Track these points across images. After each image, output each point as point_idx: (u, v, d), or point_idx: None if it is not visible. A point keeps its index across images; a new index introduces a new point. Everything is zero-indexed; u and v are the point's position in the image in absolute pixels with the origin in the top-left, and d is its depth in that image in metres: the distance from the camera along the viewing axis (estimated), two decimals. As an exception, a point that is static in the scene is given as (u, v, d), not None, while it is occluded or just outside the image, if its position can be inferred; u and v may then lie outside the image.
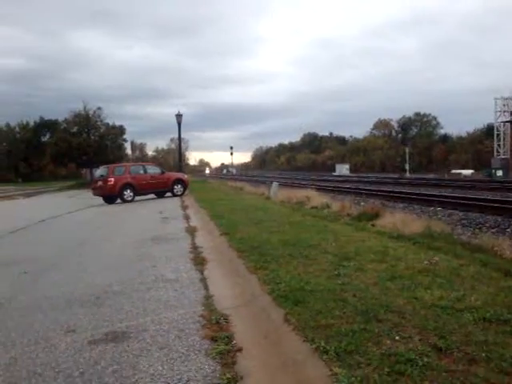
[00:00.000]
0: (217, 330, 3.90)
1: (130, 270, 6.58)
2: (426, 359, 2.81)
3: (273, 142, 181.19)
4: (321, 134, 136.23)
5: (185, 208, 16.81)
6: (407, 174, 55.31)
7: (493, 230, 8.88)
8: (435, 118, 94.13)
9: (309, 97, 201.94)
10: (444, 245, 6.79)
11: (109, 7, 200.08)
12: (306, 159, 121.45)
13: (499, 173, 43.92)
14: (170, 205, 18.98)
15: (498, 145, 52.25)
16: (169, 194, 24.35)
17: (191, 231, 10.22)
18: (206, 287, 5.41)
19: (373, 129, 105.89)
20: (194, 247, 8.15)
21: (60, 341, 3.90)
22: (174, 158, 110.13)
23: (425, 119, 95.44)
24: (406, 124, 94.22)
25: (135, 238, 9.85)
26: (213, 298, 4.89)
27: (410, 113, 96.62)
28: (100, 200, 23.22)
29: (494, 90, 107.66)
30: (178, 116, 30.09)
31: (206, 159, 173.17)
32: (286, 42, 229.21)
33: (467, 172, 53.42)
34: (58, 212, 18.09)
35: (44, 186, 54.36)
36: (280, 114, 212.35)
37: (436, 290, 4.35)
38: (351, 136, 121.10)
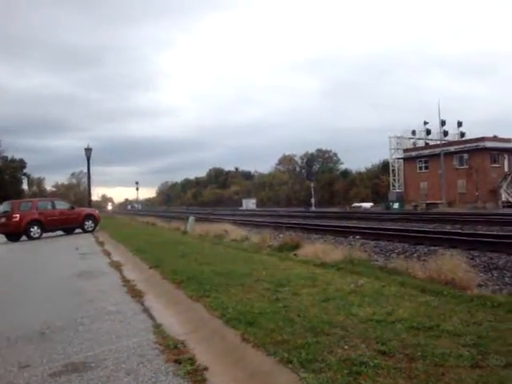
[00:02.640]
0: (177, 353, 4.12)
1: (66, 305, 6.52)
2: (375, 361, 3.30)
3: (178, 177, 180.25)
4: (227, 169, 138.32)
5: (101, 244, 16.45)
6: (313, 208, 57.79)
7: (401, 256, 9.86)
8: (336, 155, 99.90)
9: (213, 132, 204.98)
10: (364, 269, 7.50)
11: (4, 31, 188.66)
12: (212, 194, 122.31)
13: (396, 205, 47.60)
14: (84, 241, 18.42)
15: (394, 179, 56.61)
16: (78, 230, 23.54)
17: (116, 266, 10.16)
18: (152, 317, 5.57)
19: (278, 164, 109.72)
20: (126, 281, 8.18)
21: (17, 377, 3.88)
22: (76, 193, 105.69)
23: (326, 155, 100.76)
24: (310, 160, 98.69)
25: (60, 274, 9.61)
26: (162, 327, 5.07)
27: (312, 149, 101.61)
28: (1, 238, 21.87)
29: (388, 129, 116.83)
30: (88, 150, 29.36)
31: (109, 194, 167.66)
32: (191, 77, 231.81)
33: (367, 205, 57.08)
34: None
35: None
36: (186, 149, 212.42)
37: (367, 307, 4.92)
38: (256, 171, 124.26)
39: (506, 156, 49.06)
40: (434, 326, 4.12)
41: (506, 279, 7.51)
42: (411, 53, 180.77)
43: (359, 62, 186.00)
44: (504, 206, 43.00)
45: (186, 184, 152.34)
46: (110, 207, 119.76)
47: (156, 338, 4.65)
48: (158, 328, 5.04)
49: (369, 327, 4.17)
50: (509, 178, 46.57)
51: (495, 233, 13.88)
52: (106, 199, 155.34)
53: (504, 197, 44.94)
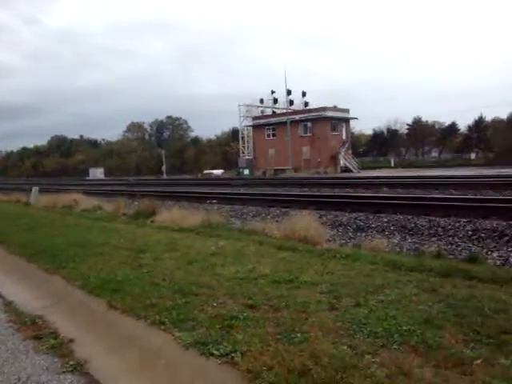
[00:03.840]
0: (36, 329, 3.87)
1: None
2: (244, 314, 3.46)
3: (15, 146, 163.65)
4: (70, 136, 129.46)
5: None
6: (164, 176, 57.28)
7: (257, 218, 10.32)
8: (186, 122, 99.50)
9: (53, 96, 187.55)
10: (223, 232, 7.72)
11: None
12: (55, 164, 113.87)
13: (246, 171, 49.35)
14: None
15: (243, 146, 58.30)
16: None
17: None
18: (0, 295, 5.10)
19: (126, 131, 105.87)
20: (-37, 259, 7.33)
21: None
22: None
23: (176, 122, 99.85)
24: (159, 127, 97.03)
25: None
26: (14, 304, 4.70)
27: (162, 116, 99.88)
28: None
29: (238, 97, 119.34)
30: None
31: None
32: (21, 32, 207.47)
33: (218, 172, 58.28)
34: None
35: None
36: (20, 114, 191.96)
37: (230, 266, 5.11)
38: (103, 139, 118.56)
39: (344, 125, 53.58)
40: (293, 278, 4.43)
41: (350, 234, 8.32)
42: (260, 24, 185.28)
43: (210, 31, 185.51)
44: (342, 171, 47.30)
45: (24, 153, 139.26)
46: None
47: (8, 317, 4.30)
48: (9, 306, 4.66)
49: (234, 284, 4.33)
50: (346, 145, 51.08)
51: (337, 194, 15.22)
52: None
53: (342, 162, 49.28)
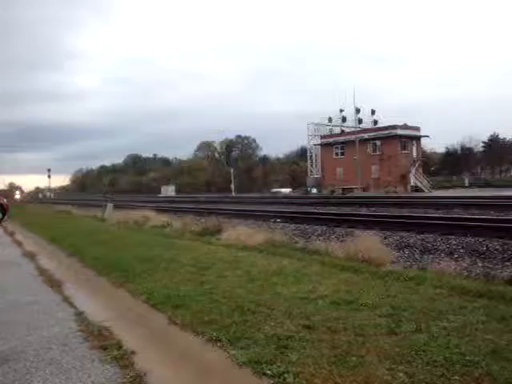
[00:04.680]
0: (102, 339, 4.03)
1: (-24, 298, 6.12)
2: (300, 334, 3.44)
3: (94, 164, 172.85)
4: (144, 155, 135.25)
5: (11, 234, 15.49)
6: (233, 194, 58.16)
7: (321, 238, 10.25)
8: (254, 141, 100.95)
9: (130, 117, 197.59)
10: (286, 251, 7.74)
11: None
12: (130, 181, 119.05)
13: (314, 190, 49.13)
14: (-9, 231, 17.27)
15: (311, 165, 58.17)
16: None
17: (30, 256, 9.64)
18: (73, 305, 5.37)
19: (196, 150, 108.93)
20: (42, 270, 7.80)
21: None
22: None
23: (245, 141, 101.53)
24: (229, 146, 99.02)
25: (-34, 266, 8.96)
26: (85, 314, 4.92)
27: (231, 135, 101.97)
28: None
29: (305, 115, 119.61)
30: (-7, 135, 27.43)
31: (17, 183, 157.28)
32: (102, 60, 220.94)
33: (286, 190, 58.36)
34: None
35: None
36: (100, 134, 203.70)
37: (290, 286, 5.11)
38: (175, 158, 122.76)
39: (415, 143, 52.14)
40: (353, 300, 4.36)
41: (416, 256, 8.06)
42: (327, 41, 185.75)
43: (276, 50, 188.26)
44: (412, 190, 45.89)
45: (103, 171, 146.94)
46: (17, 196, 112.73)
47: (78, 326, 4.51)
48: (80, 316, 4.88)
49: (293, 304, 4.32)
50: (416, 164, 49.60)
51: (405, 214, 14.78)
52: (13, 188, 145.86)
53: (412, 181, 47.85)
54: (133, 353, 3.66)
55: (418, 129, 52.82)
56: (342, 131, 58.52)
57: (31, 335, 4.36)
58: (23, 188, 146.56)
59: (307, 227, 12.62)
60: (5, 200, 24.76)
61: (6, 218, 22.89)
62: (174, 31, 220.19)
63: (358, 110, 55.48)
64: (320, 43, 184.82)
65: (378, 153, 50.83)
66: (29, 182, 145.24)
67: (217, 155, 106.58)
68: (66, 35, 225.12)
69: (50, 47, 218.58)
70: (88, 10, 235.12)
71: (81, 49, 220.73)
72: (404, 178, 47.99)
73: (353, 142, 50.17)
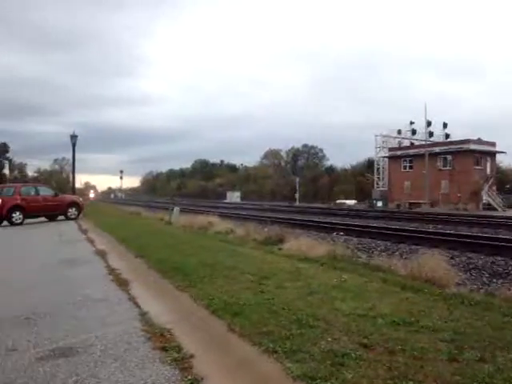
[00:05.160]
0: (164, 341, 4.20)
1: (51, 292, 6.55)
2: (357, 353, 3.42)
3: (163, 167, 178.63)
4: (212, 161, 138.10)
5: (85, 232, 16.37)
6: (297, 203, 58.09)
7: (384, 254, 10.06)
8: (321, 150, 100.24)
9: (198, 123, 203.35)
10: (347, 265, 7.66)
11: None
12: (196, 186, 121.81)
13: (379, 203, 48.10)
14: (67, 228, 18.32)
15: (378, 178, 57.05)
16: (61, 217, 23.37)
17: (101, 254, 10.16)
18: (138, 305, 5.63)
19: (263, 158, 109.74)
20: (111, 269, 8.20)
21: (4, 360, 3.92)
22: (58, 179, 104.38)
23: (312, 151, 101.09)
24: (295, 155, 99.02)
25: (44, 261, 9.60)
26: (149, 315, 5.14)
27: (298, 144, 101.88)
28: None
29: (373, 126, 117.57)
30: (73, 137, 29.05)
31: (92, 182, 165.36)
32: (171, 66, 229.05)
33: (351, 202, 57.53)
34: None
35: None
36: (170, 138, 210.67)
37: (350, 301, 5.07)
38: (242, 164, 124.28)
39: (489, 159, 49.82)
40: (414, 321, 4.27)
41: (484, 279, 7.73)
42: (397, 50, 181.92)
43: (345, 58, 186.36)
44: (484, 208, 43.73)
45: (171, 174, 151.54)
46: (92, 195, 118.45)
47: (142, 326, 4.72)
48: (144, 316, 5.11)
49: (351, 321, 4.30)
50: (490, 181, 47.29)
51: (475, 234, 14.18)
52: (88, 187, 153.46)
53: (485, 199, 45.65)
54: (192, 356, 3.79)
55: (493, 144, 50.45)
56: (412, 144, 56.99)
57: (99, 331, 4.62)
58: (97, 187, 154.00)
59: (370, 242, 12.43)
60: (80, 199, 26.20)
61: (80, 215, 24.20)
62: (240, 39, 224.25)
63: (429, 123, 53.69)
64: (390, 52, 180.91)
65: (448, 168, 48.99)
66: (102, 182, 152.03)
67: (283, 163, 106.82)
68: (137, 42, 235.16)
69: (123, 54, 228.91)
70: (159, 17, 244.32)
71: (152, 55, 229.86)
72: (476, 195, 45.86)
73: (422, 155, 48.64)
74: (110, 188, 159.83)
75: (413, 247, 10.92)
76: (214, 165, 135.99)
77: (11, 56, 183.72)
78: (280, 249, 10.14)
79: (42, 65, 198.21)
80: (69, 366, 3.71)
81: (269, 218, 20.00)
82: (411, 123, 56.48)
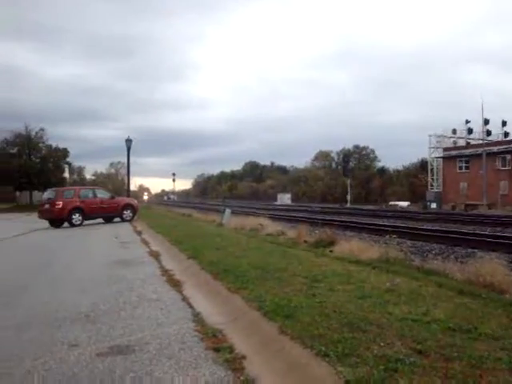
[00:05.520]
0: (216, 341, 4.28)
1: (108, 291, 6.80)
2: (411, 359, 3.35)
3: (214, 170, 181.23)
4: (262, 163, 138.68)
5: (139, 233, 16.87)
6: (348, 205, 57.36)
7: (439, 257, 9.78)
8: (373, 151, 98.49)
9: (248, 125, 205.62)
10: (400, 269, 7.49)
11: (32, 19, 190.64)
12: (247, 188, 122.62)
13: (433, 205, 46.72)
14: (123, 230, 18.93)
15: (432, 179, 55.48)
16: (117, 219, 24.17)
17: (155, 255, 10.45)
18: (191, 306, 5.76)
19: (313, 159, 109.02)
20: (164, 270, 8.43)
21: (67, 355, 4.12)
22: (114, 182, 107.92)
23: (363, 152, 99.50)
24: (346, 156, 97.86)
25: (101, 261, 9.97)
26: (201, 315, 5.25)
27: (348, 145, 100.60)
28: (43, 223, 22.72)
29: (426, 125, 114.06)
30: (128, 141, 30.05)
31: (146, 185, 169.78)
32: (222, 69, 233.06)
33: (403, 204, 56.15)
34: (2, 235, 17.53)
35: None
36: (221, 141, 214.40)
37: (403, 306, 4.96)
38: (292, 166, 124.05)
39: (552, 158, 47.49)
40: (471, 328, 4.12)
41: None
42: (451, 46, 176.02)
43: (395, 56, 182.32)
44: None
45: (222, 176, 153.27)
46: (145, 197, 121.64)
47: (195, 326, 4.83)
48: (196, 316, 5.22)
49: (404, 326, 4.21)
50: (554, 181, 45.07)
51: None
52: (142, 189, 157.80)
53: (548, 200, 43.52)
54: (243, 357, 3.83)
55: (557, 143, 48.05)
56: (468, 143, 55.03)
57: (154, 330, 4.77)
58: (150, 190, 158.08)
59: (424, 244, 12.12)
60: (135, 201, 27.00)
61: (135, 217, 24.93)
62: (289, 39, 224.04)
63: (486, 122, 51.62)
64: (443, 48, 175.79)
65: (508, 168, 47.03)
66: (155, 185, 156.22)
67: (333, 165, 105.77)
68: (189, 47, 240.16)
69: (176, 59, 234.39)
70: (209, 23, 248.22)
71: (204, 60, 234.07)
72: (538, 197, 43.81)
73: (479, 155, 46.89)
74: (163, 190, 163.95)
75: (469, 250, 10.56)
76: (264, 167, 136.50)
77: (76, 66, 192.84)
78: (331, 251, 10.04)
79: (100, 72, 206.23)
80: (126, 362, 3.84)
81: (320, 220, 19.87)
82: (467, 122, 54.44)
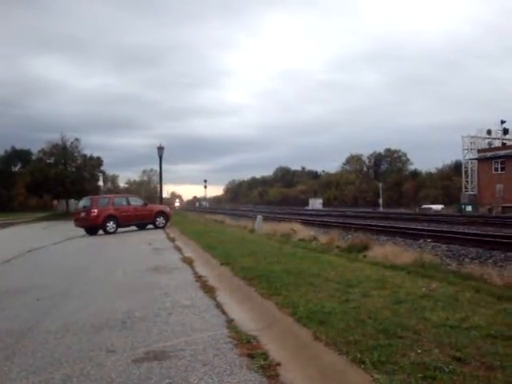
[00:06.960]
0: (250, 348, 4.28)
1: (144, 298, 6.90)
2: (450, 367, 3.27)
3: (245, 176, 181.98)
4: (293, 168, 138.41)
5: (172, 240, 17.06)
6: (381, 209, 56.61)
7: (476, 261, 9.54)
8: (405, 155, 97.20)
9: (278, 130, 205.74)
10: (436, 273, 7.34)
11: (64, 32, 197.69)
12: (278, 193, 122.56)
13: (468, 208, 45.62)
14: (156, 237, 19.18)
15: (466, 181, 54.26)
16: (150, 226, 24.51)
17: (188, 262, 10.54)
18: (224, 312, 5.78)
19: (345, 163, 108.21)
20: (198, 276, 8.49)
21: (104, 360, 4.20)
22: (146, 190, 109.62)
23: (395, 155, 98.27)
24: (378, 160, 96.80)
25: (135, 267, 10.12)
26: (235, 322, 5.27)
27: (380, 148, 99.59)
28: (79, 231, 23.25)
29: (459, 126, 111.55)
30: (160, 149, 30.53)
31: (177, 192, 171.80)
32: (251, 75, 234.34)
33: (437, 207, 55.07)
34: (42, 243, 18.01)
35: (15, 218, 53.20)
36: (251, 147, 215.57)
37: (440, 312, 4.85)
38: (323, 170, 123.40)
39: None
40: (513, 335, 4.00)
41: None
42: (484, 41, 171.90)
43: (426, 56, 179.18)
44: None
45: (253, 182, 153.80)
46: (177, 204, 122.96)
47: (229, 333, 4.84)
48: (230, 323, 5.23)
49: (442, 332, 4.12)
50: None
51: None
52: (174, 196, 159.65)
53: None
54: (278, 364, 3.82)
55: None
56: (504, 144, 53.62)
57: (189, 336, 4.80)
58: (182, 197, 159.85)
59: (460, 248, 11.84)
60: (167, 208, 27.34)
61: (168, 224, 25.23)
62: (317, 42, 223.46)
63: (523, 121, 50.31)
64: (475, 46, 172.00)
65: (546, 168, 45.60)
66: (187, 191, 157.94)
67: (365, 169, 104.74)
68: (218, 53, 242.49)
69: (205, 65, 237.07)
70: (238, 28, 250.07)
71: (233, 66, 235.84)
72: None
73: (517, 156, 45.68)
74: (194, 197, 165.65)
75: (508, 254, 10.25)
76: (295, 172, 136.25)
77: (107, 76, 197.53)
78: (365, 256, 9.94)
79: (131, 81, 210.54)
80: (162, 369, 3.88)
81: (352, 224, 19.69)
82: (502, 122, 53.23)
